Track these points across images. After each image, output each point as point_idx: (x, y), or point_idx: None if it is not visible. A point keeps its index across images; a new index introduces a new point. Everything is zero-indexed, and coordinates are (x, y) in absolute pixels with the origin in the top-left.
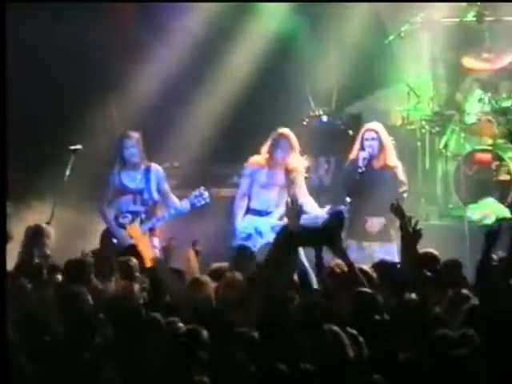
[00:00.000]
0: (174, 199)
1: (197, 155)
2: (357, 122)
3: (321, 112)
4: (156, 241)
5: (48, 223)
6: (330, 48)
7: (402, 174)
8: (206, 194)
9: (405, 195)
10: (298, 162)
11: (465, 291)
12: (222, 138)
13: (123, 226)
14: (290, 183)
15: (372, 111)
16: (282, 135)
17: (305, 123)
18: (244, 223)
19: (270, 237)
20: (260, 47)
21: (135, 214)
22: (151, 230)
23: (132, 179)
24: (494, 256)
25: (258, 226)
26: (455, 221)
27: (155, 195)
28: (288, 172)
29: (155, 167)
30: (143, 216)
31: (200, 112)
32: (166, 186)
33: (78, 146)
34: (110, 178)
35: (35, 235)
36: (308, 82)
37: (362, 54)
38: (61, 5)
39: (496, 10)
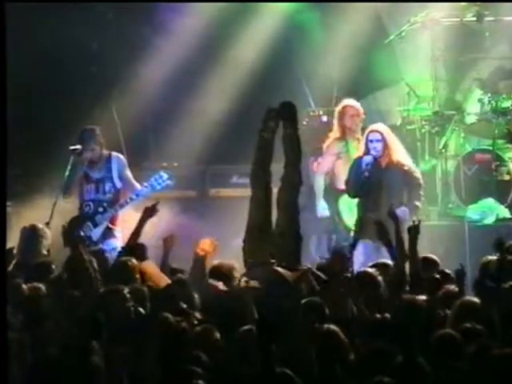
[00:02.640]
0: (136, 185)
1: (197, 155)
2: None
3: (321, 112)
4: (117, 231)
5: (47, 223)
6: (330, 48)
7: (414, 170)
8: (166, 176)
9: (421, 192)
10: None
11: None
12: (222, 138)
13: (87, 216)
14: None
15: (372, 111)
16: (344, 107)
17: (305, 123)
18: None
19: None
20: (260, 48)
21: (97, 202)
22: (112, 220)
23: (94, 169)
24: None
25: None
26: (455, 221)
27: (117, 183)
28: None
29: (115, 155)
30: (105, 204)
31: (200, 112)
32: (128, 173)
33: (78, 146)
34: (76, 170)
35: (31, 235)
36: (308, 82)
37: (362, 54)
38: (61, 5)
39: (496, 10)
